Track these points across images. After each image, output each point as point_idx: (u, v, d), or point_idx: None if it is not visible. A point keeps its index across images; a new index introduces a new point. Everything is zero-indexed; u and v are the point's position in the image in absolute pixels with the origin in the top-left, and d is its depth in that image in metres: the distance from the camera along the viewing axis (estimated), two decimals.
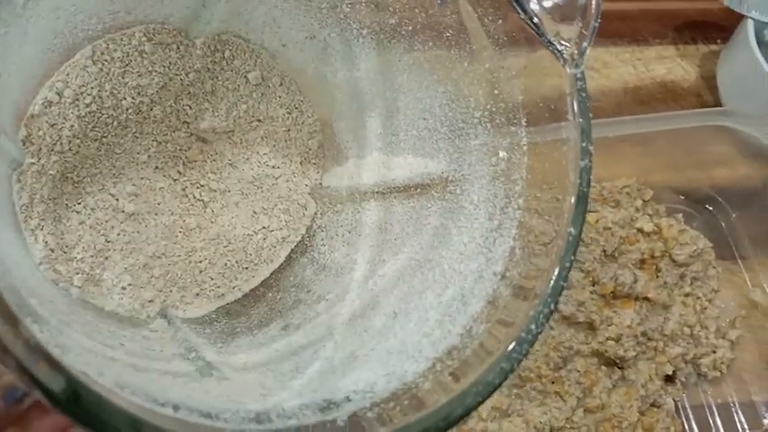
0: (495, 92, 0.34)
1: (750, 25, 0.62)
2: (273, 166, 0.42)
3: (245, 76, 0.41)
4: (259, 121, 0.42)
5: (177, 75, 0.39)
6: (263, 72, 0.42)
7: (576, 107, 0.30)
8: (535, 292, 0.29)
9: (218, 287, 0.40)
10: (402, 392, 0.28)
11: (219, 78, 0.41)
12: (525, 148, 0.33)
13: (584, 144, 0.30)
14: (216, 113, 0.41)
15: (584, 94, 0.30)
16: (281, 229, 0.42)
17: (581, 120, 0.30)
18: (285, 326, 0.37)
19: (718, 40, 0.71)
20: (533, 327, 0.28)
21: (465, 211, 0.35)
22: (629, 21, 0.72)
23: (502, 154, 0.34)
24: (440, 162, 0.37)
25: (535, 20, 0.30)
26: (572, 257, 0.29)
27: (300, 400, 0.28)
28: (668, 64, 0.70)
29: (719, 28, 0.71)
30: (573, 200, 0.30)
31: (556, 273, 0.29)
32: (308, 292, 0.39)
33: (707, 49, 0.71)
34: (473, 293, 0.32)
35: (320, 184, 0.43)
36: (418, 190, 0.38)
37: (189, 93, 0.40)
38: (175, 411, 0.25)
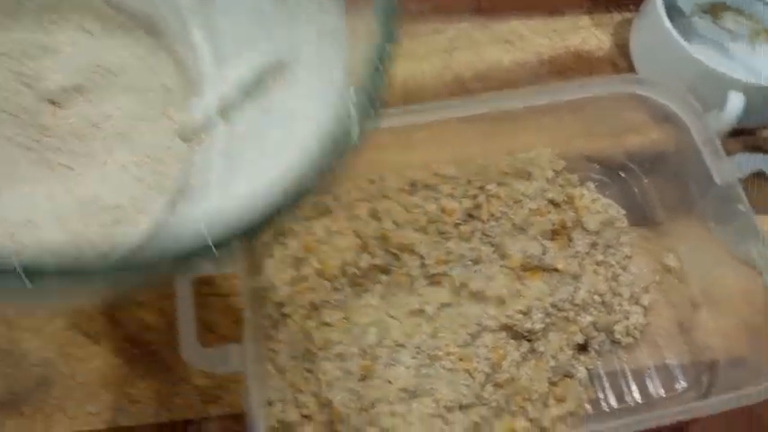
0: None
1: None
2: (135, 117, 0.41)
3: (82, 27, 0.39)
4: (111, 72, 0.40)
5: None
6: (102, 21, 0.40)
7: None
8: None
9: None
10: None
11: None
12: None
13: None
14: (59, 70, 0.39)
15: None
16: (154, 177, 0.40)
17: None
18: None
19: (632, 7, 0.70)
20: None
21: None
22: None
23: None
24: (274, 44, 0.37)
25: None
26: None
27: None
28: (583, 34, 0.70)
29: None
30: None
31: None
32: None
33: (621, 17, 0.71)
34: None
35: (184, 121, 0.42)
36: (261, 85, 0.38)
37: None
38: None
